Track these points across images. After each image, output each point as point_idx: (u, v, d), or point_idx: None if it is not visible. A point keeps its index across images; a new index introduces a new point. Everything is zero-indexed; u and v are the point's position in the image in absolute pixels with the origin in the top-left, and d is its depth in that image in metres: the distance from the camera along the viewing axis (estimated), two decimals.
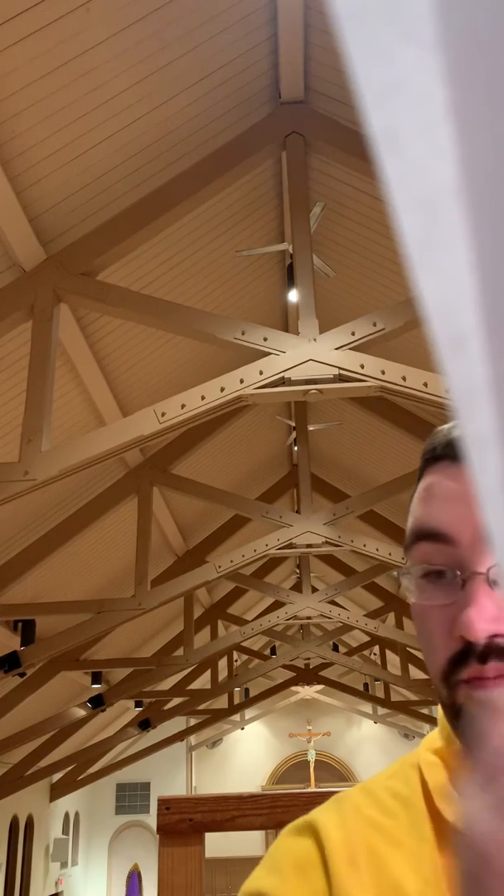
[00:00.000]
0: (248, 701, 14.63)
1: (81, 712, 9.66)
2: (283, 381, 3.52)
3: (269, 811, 1.43)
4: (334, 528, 6.27)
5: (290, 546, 6.30)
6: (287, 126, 4.15)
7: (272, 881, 0.59)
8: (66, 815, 14.86)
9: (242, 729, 17.78)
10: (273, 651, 13.68)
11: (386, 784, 0.65)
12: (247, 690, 14.90)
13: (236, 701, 14.29)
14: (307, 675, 13.90)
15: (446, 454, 0.56)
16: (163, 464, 6.71)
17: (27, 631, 7.15)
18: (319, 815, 0.64)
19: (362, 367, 3.48)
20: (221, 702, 14.38)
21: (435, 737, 0.65)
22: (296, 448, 7.54)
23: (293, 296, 4.38)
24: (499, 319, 0.17)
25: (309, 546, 6.35)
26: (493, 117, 0.16)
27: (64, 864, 14.13)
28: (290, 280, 4.62)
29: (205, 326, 3.67)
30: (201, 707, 13.29)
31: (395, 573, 7.95)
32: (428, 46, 0.15)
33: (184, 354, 5.88)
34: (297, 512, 6.77)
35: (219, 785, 17.66)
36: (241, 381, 3.51)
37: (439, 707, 0.64)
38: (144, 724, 11.81)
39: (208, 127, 4.11)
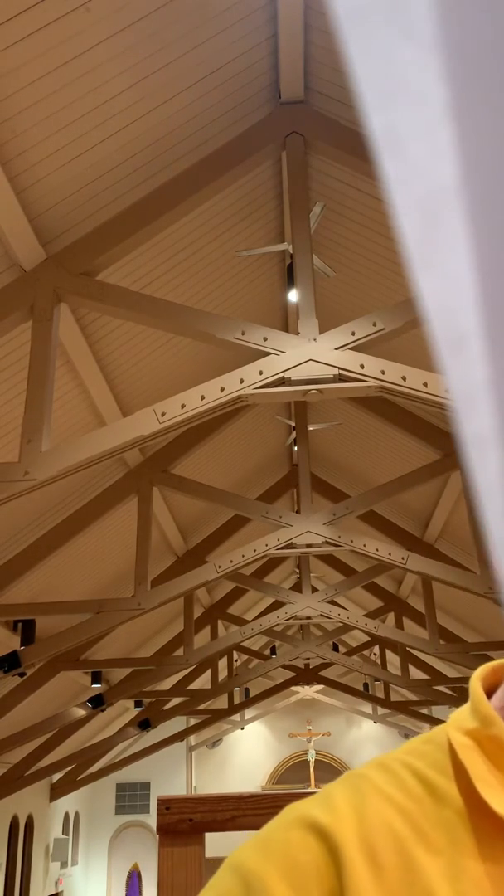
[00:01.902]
0: (248, 701, 14.63)
1: (81, 712, 9.66)
2: (283, 381, 3.52)
3: (270, 811, 1.43)
4: (334, 528, 6.27)
5: (290, 546, 6.30)
6: (287, 126, 4.15)
7: (268, 868, 0.47)
8: (66, 815, 14.85)
9: (242, 729, 17.77)
10: (273, 651, 13.68)
11: (406, 760, 0.53)
12: (247, 690, 14.90)
13: (236, 701, 14.29)
14: (307, 675, 13.90)
15: None
16: (163, 464, 6.71)
17: (27, 631, 7.15)
18: (327, 798, 0.51)
19: (362, 367, 3.48)
20: (221, 702, 14.38)
21: (465, 715, 0.53)
22: (296, 448, 7.54)
23: (293, 296, 4.38)
24: (499, 319, 0.17)
25: (309, 546, 6.35)
26: (493, 117, 0.16)
27: (64, 864, 14.13)
28: (290, 280, 4.62)
29: (205, 326, 3.67)
30: (201, 707, 13.29)
31: None
32: (428, 46, 0.16)
33: (184, 354, 5.88)
34: (297, 512, 6.77)
35: (219, 785, 17.66)
36: (241, 381, 3.51)
37: (473, 678, 0.55)
38: (144, 724, 11.81)
39: (208, 127, 4.11)
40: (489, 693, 0.54)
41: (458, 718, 0.53)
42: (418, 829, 0.47)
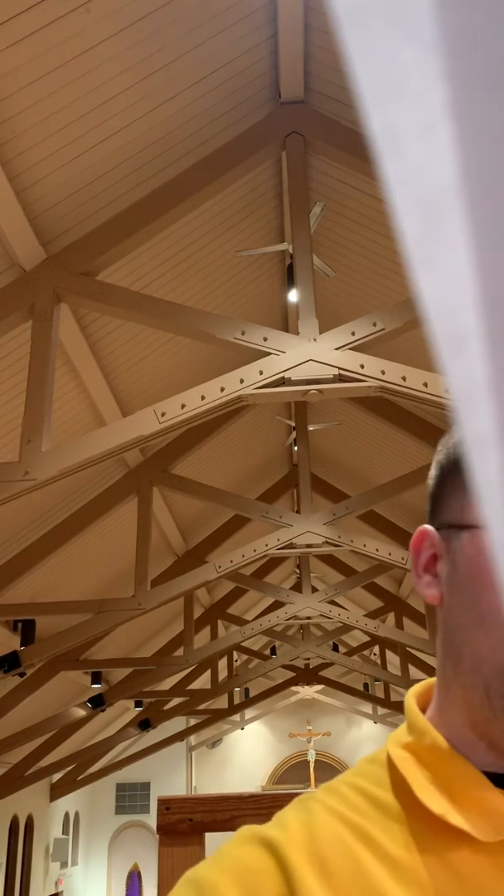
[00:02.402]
0: (248, 701, 14.63)
1: (81, 712, 9.66)
2: (283, 381, 3.52)
3: (270, 811, 1.43)
4: (334, 528, 6.27)
5: (290, 546, 6.30)
6: (287, 126, 4.15)
7: (221, 876, 0.53)
8: (66, 815, 14.85)
9: (242, 729, 17.77)
10: (273, 651, 13.68)
11: (351, 781, 0.59)
12: (247, 690, 14.90)
13: (236, 701, 14.29)
14: (307, 675, 13.90)
15: None
16: (163, 464, 6.71)
17: (27, 631, 7.15)
18: (280, 819, 0.57)
19: (362, 367, 3.48)
20: (221, 702, 14.37)
21: (402, 732, 0.60)
22: (296, 448, 7.54)
23: (293, 296, 4.38)
24: (499, 319, 0.17)
25: (309, 546, 6.35)
26: (493, 117, 0.16)
27: (64, 864, 14.13)
28: (290, 280, 4.62)
29: (205, 326, 3.67)
30: (201, 707, 13.29)
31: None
32: (428, 46, 0.16)
33: (184, 354, 5.88)
34: (297, 512, 6.77)
35: (219, 785, 17.66)
36: (241, 381, 3.51)
37: (408, 696, 0.63)
38: (144, 724, 11.81)
39: (208, 127, 4.11)
40: (423, 709, 0.62)
41: (396, 736, 0.60)
42: (365, 837, 0.53)
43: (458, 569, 0.58)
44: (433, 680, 0.65)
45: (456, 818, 0.52)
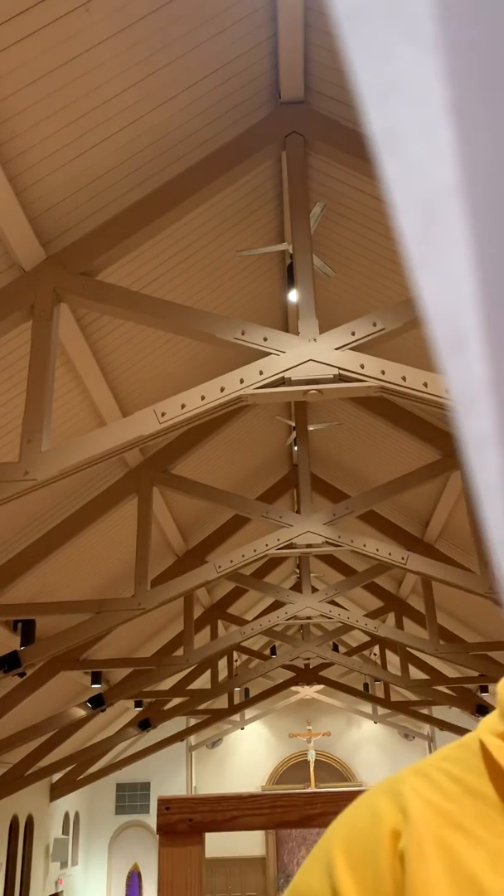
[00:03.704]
0: (248, 701, 14.63)
1: (81, 712, 9.66)
2: (283, 381, 3.52)
3: (269, 811, 1.43)
4: (334, 528, 6.27)
5: (290, 546, 6.30)
6: (287, 126, 4.15)
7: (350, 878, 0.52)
8: (66, 815, 14.85)
9: (242, 729, 17.78)
10: (273, 651, 13.68)
11: (441, 766, 0.57)
12: (247, 690, 14.90)
13: (236, 701, 14.29)
14: (307, 675, 13.90)
15: None
16: (163, 464, 6.71)
17: (27, 631, 7.15)
18: (370, 806, 0.56)
19: (362, 367, 3.48)
20: (221, 702, 14.38)
21: (495, 720, 0.58)
22: (296, 448, 7.54)
23: (293, 296, 4.38)
24: (499, 319, 0.17)
25: (309, 546, 6.35)
26: (493, 117, 0.16)
27: (64, 864, 14.13)
28: (290, 280, 4.62)
29: (205, 326, 3.67)
30: (201, 707, 13.29)
31: None
32: (428, 46, 0.15)
33: (184, 354, 5.88)
34: (297, 512, 6.77)
35: (219, 785, 17.66)
36: (241, 381, 3.51)
37: (500, 685, 0.59)
38: (144, 724, 11.81)
39: (208, 127, 4.11)
40: None
41: (488, 724, 0.58)
42: (458, 825, 0.52)
43: None
44: None
45: None
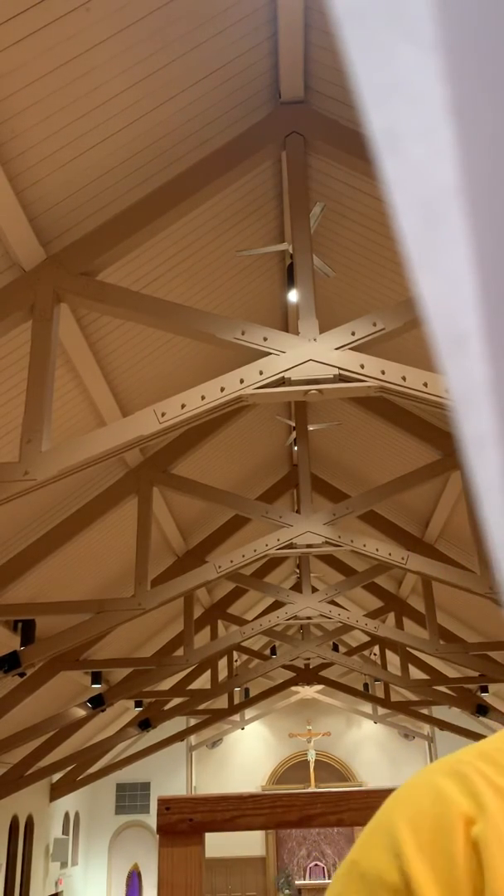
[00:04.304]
0: (248, 701, 14.63)
1: (81, 712, 9.66)
2: (283, 381, 3.52)
3: (270, 811, 1.44)
4: (334, 528, 6.27)
5: (290, 546, 6.30)
6: (287, 126, 4.15)
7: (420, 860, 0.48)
8: (66, 815, 14.85)
9: (242, 729, 17.78)
10: (273, 651, 13.68)
11: None
12: (247, 690, 14.90)
13: (236, 701, 14.29)
14: (307, 675, 13.90)
15: None
16: (163, 464, 6.71)
17: (27, 631, 7.15)
18: (434, 786, 0.52)
19: (362, 367, 3.48)
20: (221, 702, 14.38)
21: None
22: (296, 448, 7.54)
23: (293, 296, 4.38)
24: (499, 319, 0.17)
25: (309, 546, 6.35)
26: (493, 117, 0.16)
27: (64, 864, 14.13)
28: (290, 280, 4.62)
29: (205, 326, 3.67)
30: (201, 707, 13.29)
31: None
32: (428, 46, 0.16)
33: (184, 354, 5.88)
34: (297, 512, 6.77)
35: (219, 785, 17.66)
36: (241, 381, 3.51)
37: None
38: (144, 724, 11.82)
39: (208, 127, 4.11)
40: None
41: None
42: None
43: None
44: None
45: None
